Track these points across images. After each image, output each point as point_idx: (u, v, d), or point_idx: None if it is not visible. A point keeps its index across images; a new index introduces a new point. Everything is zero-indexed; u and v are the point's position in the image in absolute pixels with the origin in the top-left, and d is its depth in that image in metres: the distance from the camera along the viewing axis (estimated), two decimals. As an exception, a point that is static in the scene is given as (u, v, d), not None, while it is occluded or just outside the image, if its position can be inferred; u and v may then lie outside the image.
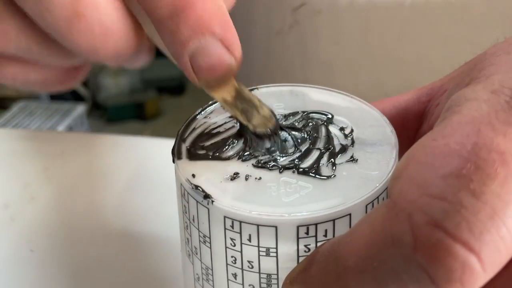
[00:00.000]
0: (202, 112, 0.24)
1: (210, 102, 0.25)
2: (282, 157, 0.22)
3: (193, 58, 0.20)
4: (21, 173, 0.42)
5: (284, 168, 0.21)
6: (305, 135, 0.23)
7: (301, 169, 0.21)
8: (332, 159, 0.21)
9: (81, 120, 1.27)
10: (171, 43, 0.20)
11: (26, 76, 0.22)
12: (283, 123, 0.23)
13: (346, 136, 0.23)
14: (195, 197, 0.20)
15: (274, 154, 0.22)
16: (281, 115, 0.24)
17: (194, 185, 0.20)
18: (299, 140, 0.22)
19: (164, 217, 0.37)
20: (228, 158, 0.22)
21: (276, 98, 0.25)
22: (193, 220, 0.21)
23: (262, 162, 0.21)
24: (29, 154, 0.44)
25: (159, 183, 0.40)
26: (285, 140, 0.22)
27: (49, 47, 0.21)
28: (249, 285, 0.20)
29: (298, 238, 0.19)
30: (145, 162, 0.43)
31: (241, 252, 0.20)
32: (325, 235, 0.19)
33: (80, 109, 1.27)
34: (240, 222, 0.19)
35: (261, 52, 0.45)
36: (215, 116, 0.24)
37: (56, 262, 0.36)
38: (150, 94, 1.47)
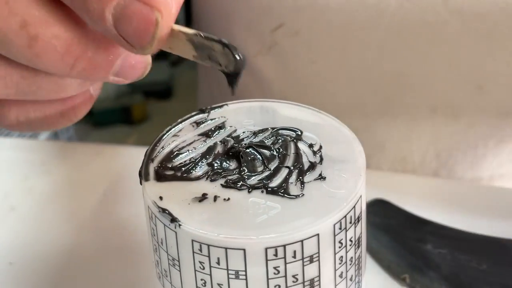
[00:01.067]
0: (171, 131, 0.24)
1: (179, 120, 0.25)
2: (251, 176, 0.22)
3: (118, 28, 0.19)
4: (0, 183, 0.42)
5: (252, 188, 0.21)
6: (274, 153, 0.22)
7: (270, 189, 0.21)
8: (301, 178, 0.21)
9: (66, 126, 1.26)
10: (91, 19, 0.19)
11: (27, 115, 0.22)
12: (253, 140, 0.23)
13: (315, 153, 0.22)
14: (163, 220, 0.20)
15: (243, 173, 0.22)
16: (251, 132, 0.24)
17: (161, 208, 0.20)
18: (268, 158, 0.22)
19: (145, 228, 0.37)
20: (197, 178, 0.22)
21: (246, 114, 0.25)
22: (162, 243, 0.21)
23: (231, 181, 0.21)
24: (9, 163, 0.44)
25: (141, 193, 0.40)
26: (254, 159, 0.22)
27: (35, 78, 0.21)
28: (220, 307, 0.20)
29: (267, 260, 0.19)
30: (127, 171, 0.42)
31: (210, 275, 0.20)
32: (294, 256, 0.19)
33: (65, 114, 1.25)
34: (208, 245, 0.19)
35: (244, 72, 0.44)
36: (184, 134, 0.24)
37: (36, 275, 0.36)
38: (137, 98, 1.46)
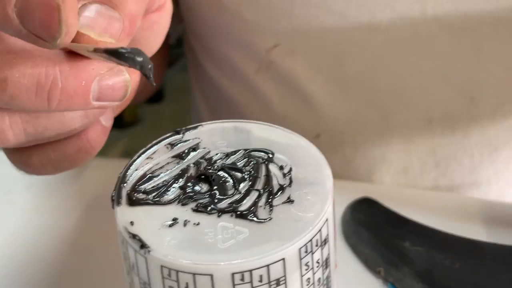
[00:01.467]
0: (145, 153, 0.24)
1: (154, 142, 0.25)
2: (222, 199, 0.22)
3: (26, 25, 0.19)
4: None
5: (222, 212, 0.21)
6: (245, 175, 0.23)
7: (239, 212, 0.21)
8: (270, 201, 0.22)
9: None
10: None
11: (48, 157, 0.23)
12: (225, 162, 0.24)
13: (284, 175, 0.23)
14: (133, 245, 0.21)
15: (214, 196, 0.22)
16: (224, 153, 0.24)
17: (131, 233, 0.21)
18: (239, 181, 0.23)
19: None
20: (169, 202, 0.22)
21: (220, 135, 0.25)
22: (133, 267, 0.21)
23: (201, 205, 0.22)
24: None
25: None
26: (225, 182, 0.23)
27: (37, 120, 0.21)
28: (190, 329, 0.21)
29: (234, 285, 0.20)
30: (112, 184, 0.43)
31: (180, 299, 0.20)
32: (260, 280, 0.20)
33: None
34: (177, 271, 0.20)
35: (243, 89, 0.45)
36: (158, 156, 0.24)
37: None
38: (128, 101, 1.46)
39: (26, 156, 0.23)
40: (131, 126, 1.40)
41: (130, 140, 1.33)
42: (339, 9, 0.38)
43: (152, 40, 0.26)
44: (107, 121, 0.24)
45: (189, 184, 0.23)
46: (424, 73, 0.40)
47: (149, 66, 0.19)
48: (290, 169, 0.23)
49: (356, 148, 0.43)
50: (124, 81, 0.21)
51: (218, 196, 0.22)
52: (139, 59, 0.19)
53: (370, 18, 0.38)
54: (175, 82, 1.46)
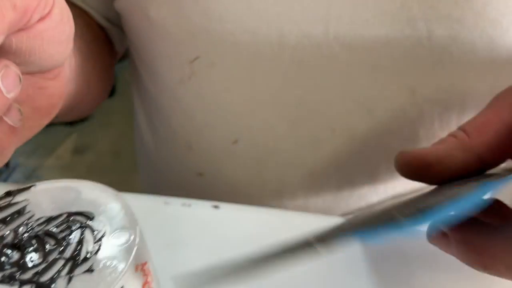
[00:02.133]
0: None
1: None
2: (29, 269, 0.23)
3: None
4: None
5: (23, 283, 0.22)
6: (59, 242, 0.24)
7: (39, 284, 0.22)
8: (71, 270, 0.23)
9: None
10: None
11: None
12: (44, 228, 0.25)
13: (96, 241, 0.24)
14: None
15: (23, 266, 0.23)
16: (46, 217, 0.25)
17: None
18: (50, 249, 0.24)
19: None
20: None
21: (50, 197, 0.26)
22: None
23: (6, 276, 0.23)
24: None
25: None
26: (36, 250, 0.23)
27: None
28: None
29: None
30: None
31: None
32: None
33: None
34: None
35: (169, 98, 0.47)
36: (-19, 223, 0.25)
37: None
38: (77, 96, 1.43)
39: None
40: (81, 122, 1.37)
41: (80, 137, 1.31)
42: (252, 26, 0.40)
43: (50, 47, 0.26)
44: (14, 121, 0.25)
45: (4, 251, 0.24)
46: (327, 87, 0.43)
47: None
48: (103, 234, 0.24)
49: (269, 153, 0.46)
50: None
51: (27, 266, 0.23)
52: None
53: (279, 36, 0.40)
54: (127, 76, 1.45)
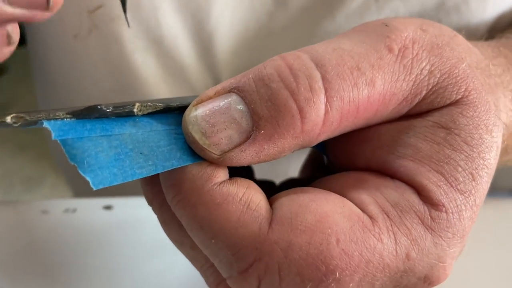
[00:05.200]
0: None
1: None
2: None
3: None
4: None
5: None
6: None
7: None
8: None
9: None
10: None
11: None
12: None
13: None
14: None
15: None
16: None
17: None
18: None
19: None
20: None
21: None
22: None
23: None
24: None
25: None
26: None
27: None
28: None
29: None
30: None
31: None
32: None
33: None
34: None
35: (60, 57, 0.38)
36: None
37: None
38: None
39: None
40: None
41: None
42: None
43: None
44: (14, 33, 0.23)
45: None
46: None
47: None
48: None
49: None
50: None
51: None
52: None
53: None
54: (17, 54, 1.32)
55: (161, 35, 0.36)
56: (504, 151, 0.29)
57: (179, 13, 0.35)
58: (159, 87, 0.39)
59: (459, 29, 0.36)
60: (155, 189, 0.23)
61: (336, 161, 0.25)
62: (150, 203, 0.24)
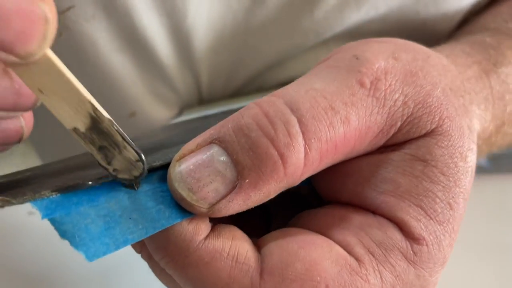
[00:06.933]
0: None
1: None
2: None
3: None
4: None
5: None
6: None
7: None
8: None
9: None
10: None
11: None
12: None
13: None
14: None
15: None
16: None
17: None
18: None
19: None
20: None
21: None
22: None
23: None
24: None
25: None
26: None
27: None
28: None
29: None
30: None
31: None
32: None
33: None
34: None
35: None
36: None
37: None
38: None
39: None
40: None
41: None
42: None
43: None
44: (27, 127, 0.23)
45: None
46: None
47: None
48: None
49: None
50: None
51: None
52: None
53: None
54: None
55: (137, 35, 0.35)
56: (482, 152, 0.30)
57: (155, 13, 0.34)
58: (137, 88, 0.38)
59: (437, 20, 0.36)
60: (141, 242, 0.23)
61: (321, 193, 0.25)
62: (138, 252, 0.24)
